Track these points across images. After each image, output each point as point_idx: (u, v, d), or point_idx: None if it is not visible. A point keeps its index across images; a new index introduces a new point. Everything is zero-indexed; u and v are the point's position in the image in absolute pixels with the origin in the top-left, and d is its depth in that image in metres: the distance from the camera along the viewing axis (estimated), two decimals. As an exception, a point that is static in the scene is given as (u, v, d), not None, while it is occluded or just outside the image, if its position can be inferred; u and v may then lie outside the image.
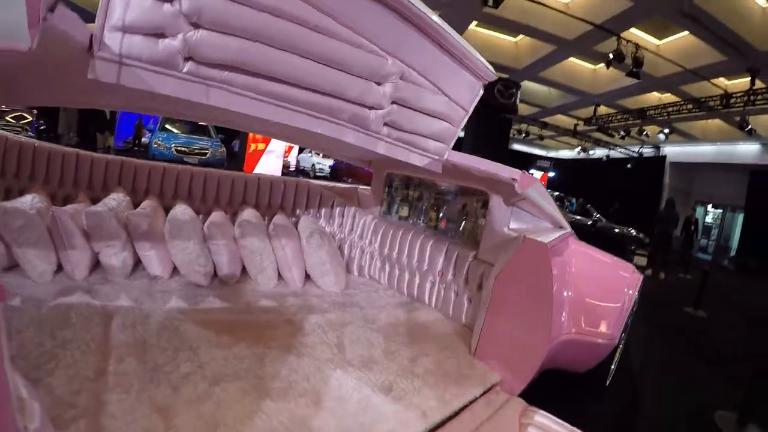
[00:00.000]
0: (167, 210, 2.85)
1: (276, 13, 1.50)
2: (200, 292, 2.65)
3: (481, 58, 2.19)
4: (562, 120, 18.94)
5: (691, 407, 3.26)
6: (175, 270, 2.77)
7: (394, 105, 2.10)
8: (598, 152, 21.61)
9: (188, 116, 2.96)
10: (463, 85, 2.30)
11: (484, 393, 2.14)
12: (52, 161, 2.90)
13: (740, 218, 16.97)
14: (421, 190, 3.60)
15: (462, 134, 16.29)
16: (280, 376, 1.89)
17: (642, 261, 10.29)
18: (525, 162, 25.56)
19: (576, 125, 18.05)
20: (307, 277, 3.22)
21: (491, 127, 13.39)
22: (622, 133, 16.42)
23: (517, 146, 25.45)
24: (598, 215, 12.84)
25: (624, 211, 15.65)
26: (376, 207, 3.80)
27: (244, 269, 3.02)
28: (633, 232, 12.17)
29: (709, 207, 18.56)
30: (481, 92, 2.39)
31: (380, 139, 2.19)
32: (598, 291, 2.58)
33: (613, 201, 16.46)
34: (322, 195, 3.81)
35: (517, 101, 13.47)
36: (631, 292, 2.68)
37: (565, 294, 2.42)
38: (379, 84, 1.97)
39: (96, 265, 2.58)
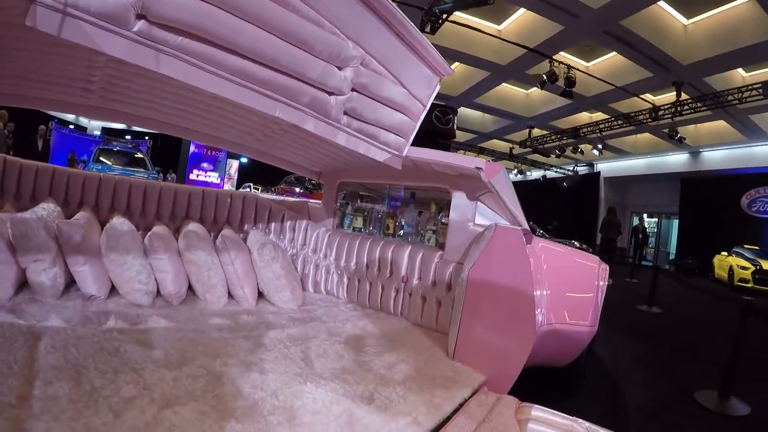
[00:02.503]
0: (104, 224, 2.54)
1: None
2: (142, 312, 2.33)
3: (438, 54, 2.18)
4: (498, 144, 19.82)
5: (668, 390, 3.39)
6: (113, 289, 2.44)
7: (355, 92, 2.01)
8: (535, 173, 22.57)
9: (124, 117, 2.67)
10: (421, 78, 2.25)
11: (474, 394, 2.01)
12: None
13: (675, 224, 18.22)
14: (375, 199, 3.49)
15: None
16: (242, 394, 1.63)
17: None
18: None
19: (512, 149, 18.89)
20: (260, 294, 2.97)
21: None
22: (557, 152, 17.25)
23: None
24: (541, 231, 13.35)
25: (563, 227, 16.39)
26: (328, 219, 3.63)
27: (190, 288, 2.72)
28: (576, 243, 12.68)
29: (645, 216, 19.76)
30: (438, 88, 2.37)
31: (340, 129, 2.07)
32: (571, 282, 2.58)
33: (552, 219, 17.19)
34: (271, 209, 3.58)
35: (455, 127, 13.88)
36: (601, 283, 2.67)
37: (542, 284, 2.35)
38: (339, 68, 1.87)
39: (23, 283, 2.23)
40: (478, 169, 2.22)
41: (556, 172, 21.04)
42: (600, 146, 15.05)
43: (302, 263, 3.53)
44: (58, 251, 2.25)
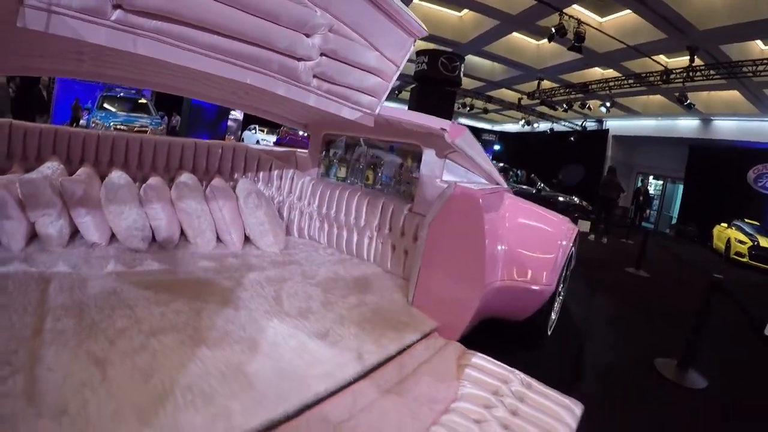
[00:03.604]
0: (103, 178, 2.80)
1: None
2: (138, 256, 2.65)
3: (413, 15, 2.25)
4: (506, 94, 19.41)
5: (631, 355, 3.44)
6: (113, 237, 2.74)
7: (324, 57, 2.14)
8: (543, 125, 22.28)
9: (118, 79, 2.88)
10: (394, 40, 2.35)
11: (422, 338, 2.25)
12: None
13: (680, 189, 18.11)
14: (358, 150, 3.66)
15: (405, 107, 16.47)
16: (216, 326, 1.94)
17: (585, 227, 10.89)
18: None
19: (520, 99, 18.52)
20: (247, 239, 3.25)
21: (434, 99, 13.59)
22: (564, 106, 16.99)
23: (463, 120, 25.92)
24: (542, 185, 13.43)
25: (568, 182, 16.41)
26: (314, 169, 3.85)
27: (182, 233, 3.01)
28: (576, 200, 12.82)
29: (651, 178, 19.60)
30: (412, 48, 2.46)
31: (311, 92, 2.22)
32: (532, 241, 2.73)
33: (557, 173, 17.20)
34: (260, 159, 3.82)
35: (461, 74, 13.68)
36: (565, 242, 2.83)
37: (498, 242, 2.55)
38: (308, 36, 2.00)
39: (33, 235, 2.53)
40: (443, 130, 2.37)
41: (564, 125, 20.77)
42: (608, 104, 14.83)
43: (288, 210, 3.80)
44: (63, 205, 2.53)
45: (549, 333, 3.19)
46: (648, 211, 15.44)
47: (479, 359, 2.12)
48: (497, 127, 27.53)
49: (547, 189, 13.57)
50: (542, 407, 1.86)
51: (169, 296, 2.17)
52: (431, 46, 13.94)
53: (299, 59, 2.05)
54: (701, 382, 3.08)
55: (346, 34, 2.14)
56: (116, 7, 1.46)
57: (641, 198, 12.04)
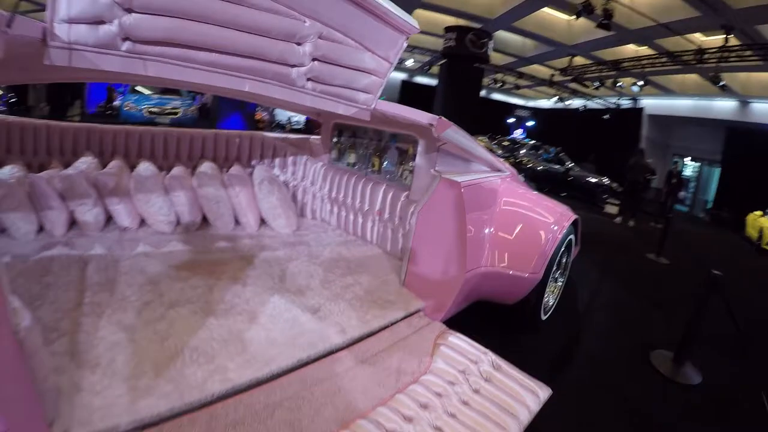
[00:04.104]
0: (133, 169, 3.17)
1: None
2: (164, 238, 3.02)
3: (402, 14, 2.38)
4: (538, 70, 18.99)
5: (626, 345, 3.39)
6: (142, 221, 3.13)
7: (316, 62, 2.33)
8: (576, 102, 21.74)
9: (137, 81, 3.20)
10: (385, 39, 2.48)
11: (407, 317, 2.49)
12: (26, 134, 3.16)
13: (717, 172, 17.45)
14: (366, 138, 3.87)
15: (434, 82, 16.21)
16: (224, 300, 2.29)
17: (614, 209, 10.83)
18: (503, 111, 25.73)
19: (552, 75, 18.13)
20: (263, 221, 3.58)
21: (462, 76, 13.53)
22: (596, 84, 16.58)
23: (495, 95, 25.54)
24: (571, 164, 13.22)
25: (601, 161, 16.07)
26: (325, 155, 4.11)
27: (204, 217, 3.37)
28: (606, 181, 12.61)
29: (688, 160, 18.92)
30: (405, 44, 2.58)
31: (306, 93, 2.42)
32: (521, 229, 2.86)
33: (590, 152, 16.85)
34: (275, 146, 4.12)
35: (489, 51, 13.55)
36: (557, 229, 2.94)
37: (484, 229, 2.74)
38: (299, 44, 2.21)
39: (72, 222, 2.92)
40: (430, 125, 2.56)
41: (597, 103, 20.24)
42: (641, 83, 14.38)
43: (302, 193, 4.10)
44: (98, 195, 2.92)
45: (544, 318, 3.29)
46: (682, 194, 14.96)
47: (456, 339, 2.32)
48: (531, 103, 27.08)
49: (577, 168, 13.33)
50: (506, 388, 2.03)
51: (189, 273, 2.54)
52: (460, 22, 13.83)
53: (292, 66, 2.27)
54: (696, 378, 3.00)
55: (336, 39, 2.32)
56: (125, 39, 1.75)
57: (674, 180, 11.69)
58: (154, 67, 1.87)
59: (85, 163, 3.04)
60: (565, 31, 14.24)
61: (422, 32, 17.59)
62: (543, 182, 12.42)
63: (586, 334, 3.48)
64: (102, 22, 1.67)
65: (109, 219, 3.06)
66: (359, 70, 2.55)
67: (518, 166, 13.22)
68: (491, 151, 7.99)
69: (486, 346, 2.29)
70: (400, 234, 3.30)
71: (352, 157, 3.96)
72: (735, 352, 3.60)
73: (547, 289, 3.16)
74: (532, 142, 15.78)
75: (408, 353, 2.16)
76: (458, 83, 13.72)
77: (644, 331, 3.72)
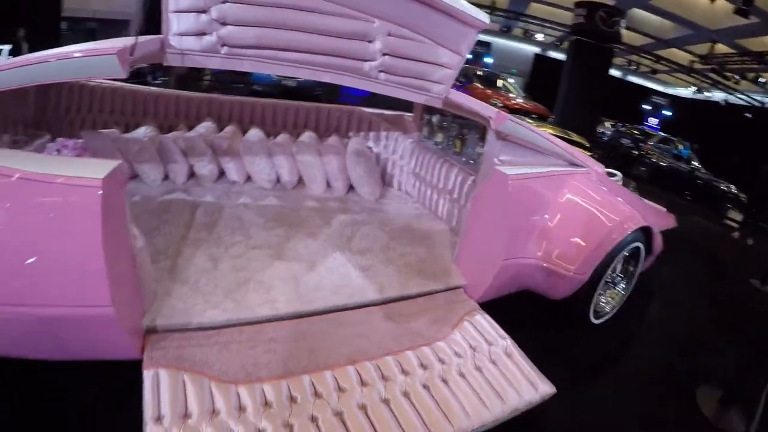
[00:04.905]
0: (244, 133, 3.78)
1: (280, 5, 2.19)
2: (264, 193, 3.61)
3: (469, 8, 2.51)
4: (676, 54, 16.80)
5: (675, 377, 3.01)
6: (248, 178, 3.76)
7: (386, 57, 2.62)
8: (717, 95, 18.71)
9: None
10: (454, 34, 2.65)
11: (446, 290, 2.69)
12: (160, 102, 3.88)
13: None
14: (451, 120, 4.02)
15: (563, 56, 15.16)
16: (295, 249, 2.78)
17: (734, 222, 9.53)
18: (638, 96, 23.19)
19: (692, 62, 15.90)
20: (351, 187, 4.02)
21: (589, 54, 12.56)
22: (736, 77, 14.15)
23: (631, 78, 23.12)
24: (698, 164, 11.76)
25: (745, 168, 13.78)
26: (415, 133, 4.39)
27: (301, 179, 3.91)
28: (733, 189, 11.06)
29: None
30: (476, 37, 2.72)
31: (378, 83, 2.73)
32: (576, 227, 2.81)
33: (734, 154, 14.57)
34: (371, 121, 4.50)
35: (621, 30, 12.36)
36: (614, 236, 2.83)
37: (530, 221, 2.78)
38: (370, 42, 2.53)
39: (191, 174, 3.62)
40: (489, 117, 2.73)
41: (739, 99, 17.20)
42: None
43: (391, 166, 4.44)
44: (213, 154, 3.59)
45: (596, 321, 3.18)
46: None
47: (482, 318, 2.47)
48: (670, 90, 24.05)
49: (703, 170, 11.78)
50: (508, 373, 2.13)
51: (275, 224, 3.08)
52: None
53: (365, 60, 2.61)
54: (740, 427, 2.58)
55: (405, 36, 2.57)
56: (223, 45, 2.24)
57: None
58: (249, 64, 2.37)
59: (205, 127, 3.71)
60: (706, 12, 12.45)
61: (553, 5, 16.59)
62: (667, 181, 11.22)
63: (634, 350, 3.29)
64: (204, 34, 2.19)
65: (221, 174, 3.73)
66: (430, 63, 2.79)
67: (641, 159, 12.12)
68: (577, 143, 7.50)
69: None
70: (464, 214, 3.49)
71: (439, 137, 4.19)
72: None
73: (600, 293, 3.07)
74: (662, 134, 14.15)
75: (432, 321, 2.38)
76: (585, 62, 12.78)
77: (701, 364, 3.22)
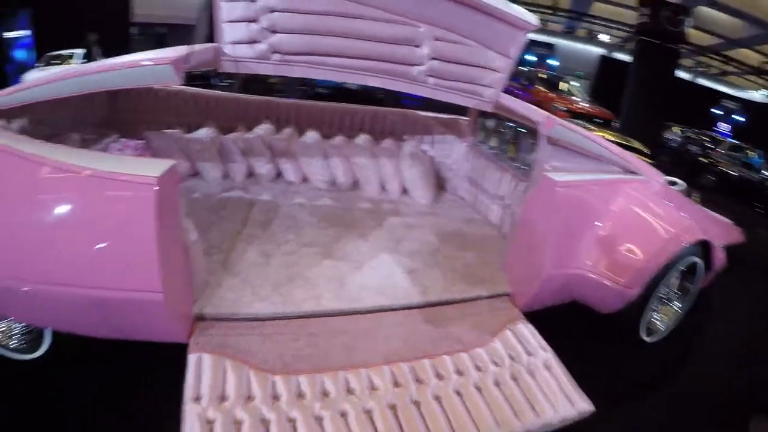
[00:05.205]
0: (301, 135, 3.90)
1: (327, 13, 2.28)
2: (319, 193, 3.73)
3: (516, 11, 2.47)
4: (747, 55, 15.38)
5: (734, 402, 2.79)
6: (304, 178, 3.90)
7: (434, 61, 2.64)
8: None
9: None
10: (502, 37, 2.62)
11: (491, 297, 2.65)
12: (220, 104, 4.07)
13: None
14: (504, 124, 3.95)
15: (629, 58, 14.31)
16: (345, 249, 2.85)
17: None
18: (708, 99, 21.31)
19: (765, 63, 14.46)
20: (405, 190, 4.05)
21: (654, 56, 11.82)
22: None
23: (700, 80, 21.39)
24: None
25: None
26: (470, 137, 4.35)
27: (355, 182, 3.99)
28: None
29: None
30: (525, 39, 2.66)
31: (426, 87, 2.76)
32: (628, 240, 2.64)
33: None
34: (426, 124, 4.50)
35: (686, 29, 11.51)
36: (669, 249, 2.66)
37: (585, 231, 2.62)
38: (417, 46, 2.56)
39: (250, 173, 3.80)
40: (538, 122, 2.66)
41: None
42: None
43: (445, 170, 4.44)
44: (271, 155, 3.75)
45: (648, 339, 2.96)
46: None
47: (524, 328, 2.42)
48: (741, 94, 21.86)
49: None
50: (545, 386, 2.08)
51: (327, 224, 3.18)
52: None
53: (412, 65, 2.64)
54: None
55: (452, 40, 2.58)
56: (274, 52, 2.36)
57: None
58: (299, 70, 2.49)
59: (263, 129, 3.88)
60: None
61: (617, 4, 15.66)
62: (736, 191, 10.25)
63: (687, 371, 3.04)
64: (256, 42, 2.31)
65: (278, 174, 3.90)
66: (478, 66, 2.77)
67: (709, 168, 11.21)
68: (635, 150, 7.00)
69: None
70: (513, 221, 3.41)
71: (494, 141, 4.12)
72: None
73: (653, 309, 2.89)
74: (732, 141, 12.92)
75: (473, 327, 2.36)
76: (650, 64, 12.06)
77: (760, 386, 2.99)
